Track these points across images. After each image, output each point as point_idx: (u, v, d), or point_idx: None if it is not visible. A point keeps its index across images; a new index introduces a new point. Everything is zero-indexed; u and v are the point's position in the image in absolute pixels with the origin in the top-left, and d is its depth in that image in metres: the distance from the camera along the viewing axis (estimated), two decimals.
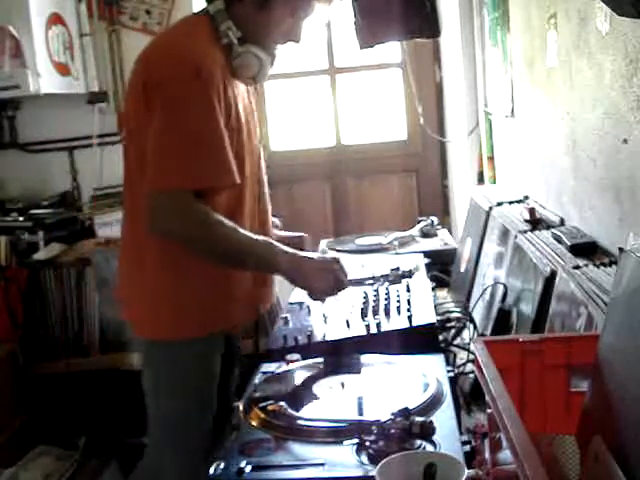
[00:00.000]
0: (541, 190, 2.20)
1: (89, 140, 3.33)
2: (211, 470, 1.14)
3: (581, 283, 1.45)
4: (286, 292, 2.05)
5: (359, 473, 1.11)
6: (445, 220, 3.87)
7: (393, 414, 1.18)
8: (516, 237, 1.95)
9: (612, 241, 1.58)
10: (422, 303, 1.82)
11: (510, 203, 2.33)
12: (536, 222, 2.00)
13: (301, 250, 1.73)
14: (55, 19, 3.06)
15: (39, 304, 2.89)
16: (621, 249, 1.03)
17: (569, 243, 1.67)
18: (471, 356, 1.71)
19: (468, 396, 1.67)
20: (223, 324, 1.71)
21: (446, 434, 1.19)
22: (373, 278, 2.09)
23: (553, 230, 1.83)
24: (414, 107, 3.67)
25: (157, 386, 1.69)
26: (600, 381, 0.96)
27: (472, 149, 3.18)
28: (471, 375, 1.72)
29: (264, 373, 1.55)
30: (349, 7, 2.92)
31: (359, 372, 1.52)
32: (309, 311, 1.89)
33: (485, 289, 2.03)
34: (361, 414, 1.27)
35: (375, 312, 1.77)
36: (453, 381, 1.46)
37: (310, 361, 1.57)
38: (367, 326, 1.69)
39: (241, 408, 1.36)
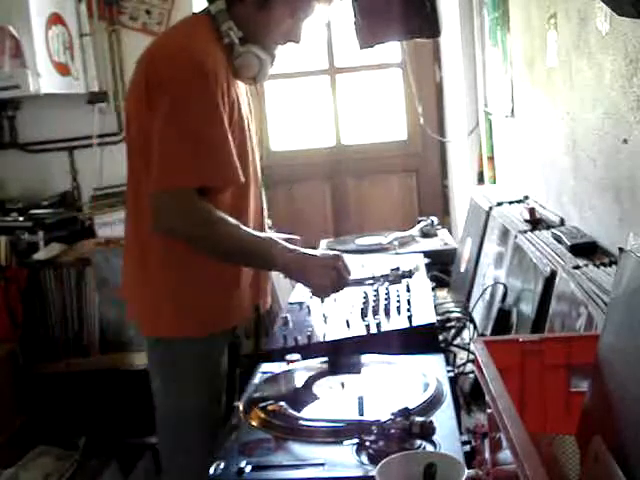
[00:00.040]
0: (541, 190, 2.20)
1: (89, 140, 3.33)
2: (211, 470, 1.14)
3: (581, 283, 1.45)
4: (286, 292, 2.05)
5: (359, 473, 1.11)
6: (445, 220, 3.87)
7: (393, 414, 1.18)
8: (516, 237, 1.95)
9: (612, 241, 1.58)
10: (422, 303, 1.82)
11: (510, 203, 2.33)
12: (536, 222, 2.00)
13: None
14: (55, 19, 3.06)
15: (39, 304, 2.89)
16: (621, 249, 1.02)
17: (569, 243, 1.67)
18: (471, 356, 1.71)
19: (468, 396, 1.67)
20: (223, 324, 1.71)
21: (446, 434, 1.19)
22: (373, 278, 2.08)
23: (553, 230, 1.83)
24: (414, 107, 3.67)
25: (159, 386, 1.69)
26: (600, 381, 0.96)
27: (472, 149, 3.18)
28: (471, 375, 1.72)
29: (264, 373, 1.54)
30: (349, 7, 2.91)
31: (359, 372, 1.51)
32: (309, 311, 1.89)
33: (485, 289, 2.03)
34: (361, 414, 1.27)
35: (375, 312, 1.77)
36: (453, 381, 1.46)
37: (310, 361, 1.57)
38: (367, 326, 1.69)
39: (241, 408, 1.36)
